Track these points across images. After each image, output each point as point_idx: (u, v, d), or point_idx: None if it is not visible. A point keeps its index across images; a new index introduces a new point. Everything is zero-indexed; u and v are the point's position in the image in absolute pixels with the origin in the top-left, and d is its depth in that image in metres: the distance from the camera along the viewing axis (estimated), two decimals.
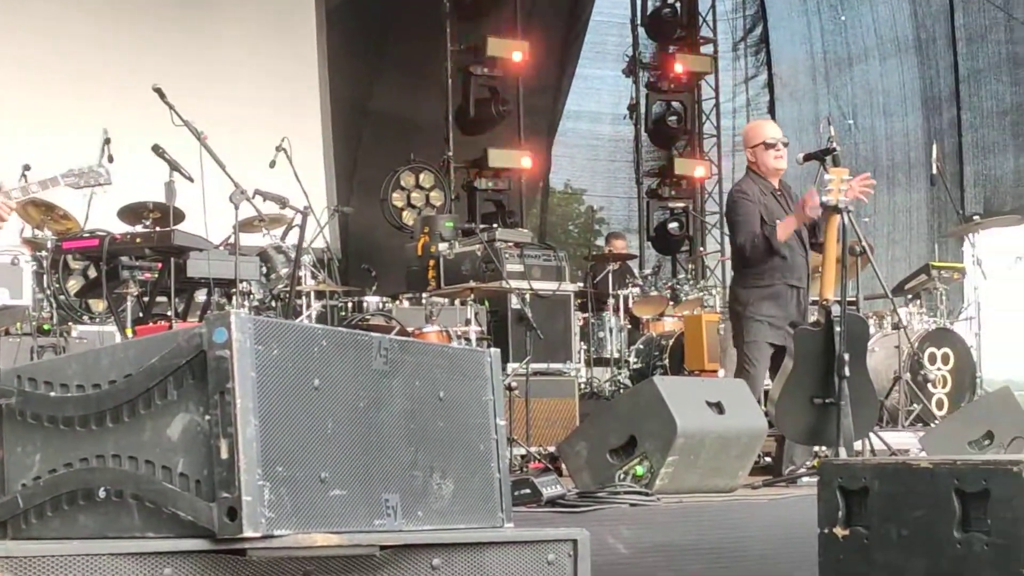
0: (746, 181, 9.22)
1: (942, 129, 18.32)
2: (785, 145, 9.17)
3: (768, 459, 9.01)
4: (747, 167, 9.37)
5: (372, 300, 11.61)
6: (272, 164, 11.25)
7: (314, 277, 11.29)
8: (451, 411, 4.12)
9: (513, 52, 17.45)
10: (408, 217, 16.61)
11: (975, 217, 13.45)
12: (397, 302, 11.80)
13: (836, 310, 8.10)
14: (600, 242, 19.40)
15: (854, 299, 10.86)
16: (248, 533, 3.31)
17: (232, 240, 9.60)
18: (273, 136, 11.40)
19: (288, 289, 10.42)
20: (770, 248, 8.77)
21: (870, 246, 9.81)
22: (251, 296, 10.45)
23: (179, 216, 10.15)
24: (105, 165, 8.99)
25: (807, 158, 8.97)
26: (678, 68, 19.70)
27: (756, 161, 9.14)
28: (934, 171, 13.56)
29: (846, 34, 19.85)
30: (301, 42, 16.49)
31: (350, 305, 11.54)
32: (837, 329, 8.02)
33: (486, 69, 17.52)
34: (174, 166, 9.45)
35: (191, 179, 9.40)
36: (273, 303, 10.85)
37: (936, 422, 11.09)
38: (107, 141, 10.28)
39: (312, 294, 11.27)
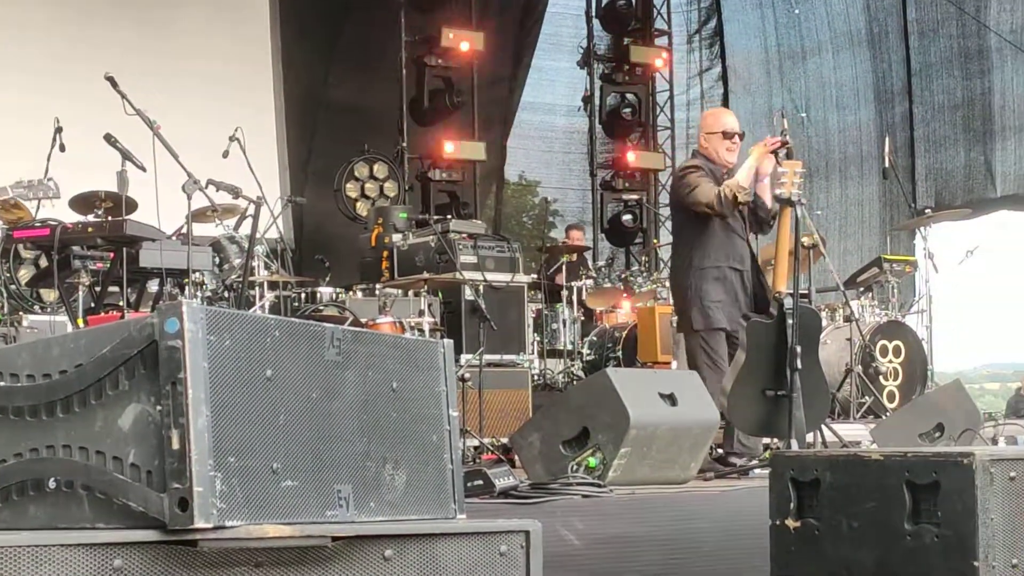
0: (694, 160, 9.21)
1: (894, 123, 18.44)
2: (741, 138, 9.18)
3: (720, 450, 9.04)
4: (695, 150, 9.37)
5: (325, 291, 11.61)
6: (225, 154, 11.19)
7: (267, 268, 11.27)
8: (404, 402, 4.12)
9: (468, 43, 17.44)
10: (362, 208, 16.59)
11: (927, 211, 13.54)
12: (351, 293, 11.81)
13: (788, 302, 8.14)
14: (555, 234, 19.42)
15: (806, 292, 10.93)
16: (199, 524, 3.29)
17: (185, 230, 9.57)
18: (226, 126, 11.34)
19: (241, 279, 10.41)
20: (735, 199, 8.72)
21: (822, 239, 9.87)
22: (204, 286, 10.44)
23: (131, 206, 10.10)
24: (54, 180, 8.93)
25: None
26: (633, 60, 19.77)
27: (709, 148, 9.12)
28: (886, 164, 13.64)
29: (800, 27, 19.94)
30: (255, 32, 16.45)
31: (303, 296, 11.52)
32: (789, 321, 8.05)
33: (440, 60, 17.54)
34: (126, 155, 9.40)
35: (143, 168, 9.35)
36: (226, 293, 10.84)
37: (887, 414, 11.15)
38: (59, 130, 10.24)
39: (265, 284, 11.25)
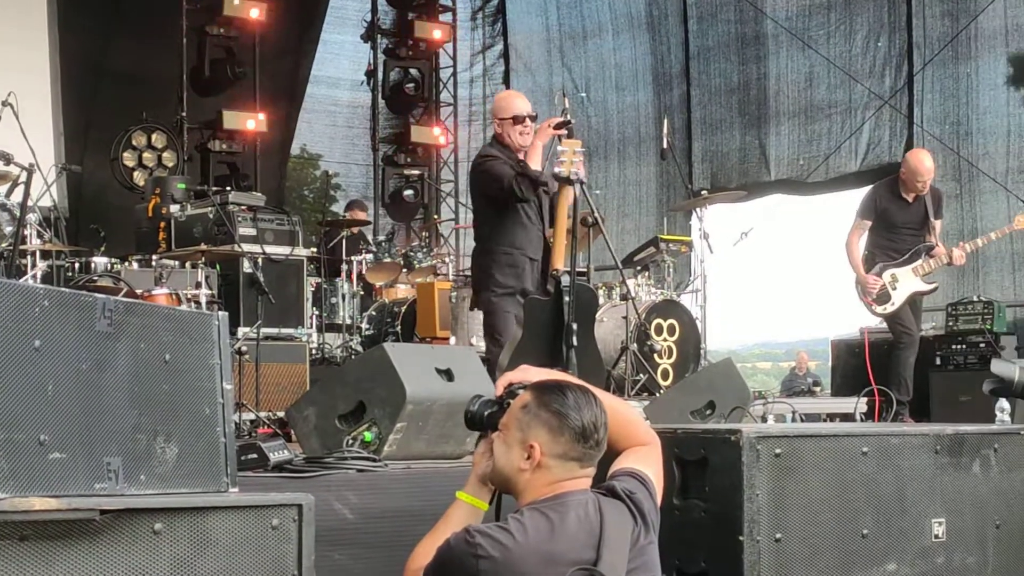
0: (490, 148, 9.23)
1: (672, 105, 18.69)
2: (532, 119, 9.17)
3: None
4: (493, 136, 9.37)
5: (100, 261, 11.40)
6: None
7: (40, 236, 11.03)
8: (177, 374, 4.08)
9: (250, 12, 17.26)
10: (139, 177, 16.35)
11: (703, 192, 13.76)
12: (126, 263, 11.60)
13: (566, 280, 8.21)
14: (336, 208, 19.34)
15: (584, 270, 11.01)
16: None
17: None
18: None
19: (12, 248, 10.17)
20: (533, 182, 8.78)
21: (601, 218, 9.97)
22: None
23: None
24: None
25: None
26: (417, 35, 19.79)
27: (503, 133, 9.14)
28: (664, 146, 13.83)
29: (581, 8, 20.08)
30: None
31: (77, 266, 11.31)
32: (566, 299, 8.13)
33: (222, 29, 17.33)
34: None
35: None
36: None
37: (661, 392, 11.32)
38: None
39: (38, 254, 11.02)
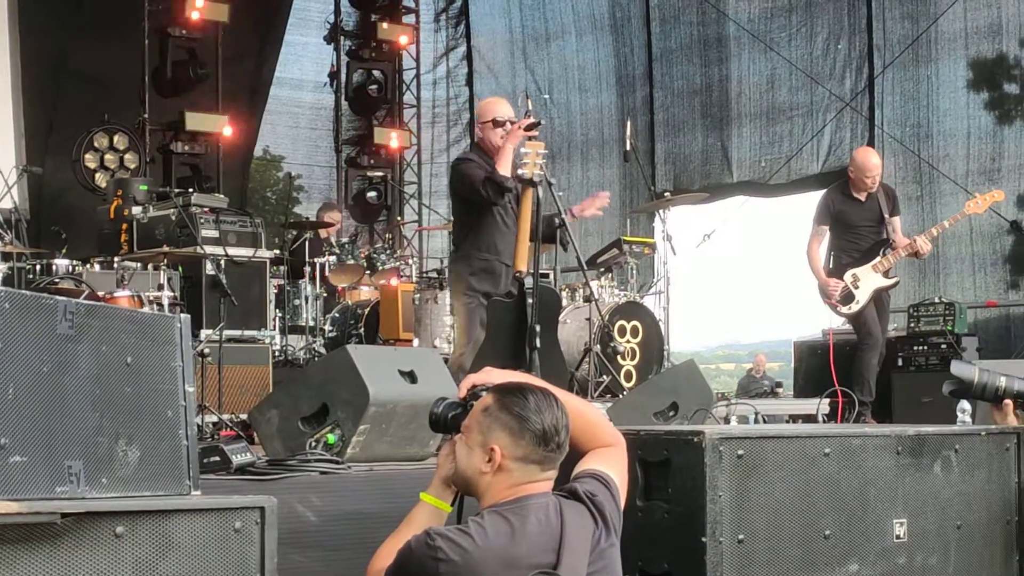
0: (469, 152, 9.44)
1: (635, 107, 18.72)
2: (513, 124, 9.19)
3: None
4: (475, 141, 9.50)
5: (62, 263, 11.35)
6: None
7: (0, 238, 10.98)
8: (139, 377, 4.06)
9: (213, 14, 17.22)
10: (101, 179, 16.29)
11: (665, 194, 13.77)
12: (88, 265, 11.56)
13: (529, 282, 8.22)
14: (299, 210, 19.33)
15: (547, 272, 11.02)
16: None
17: None
18: None
19: None
20: (499, 186, 8.85)
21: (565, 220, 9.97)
22: None
23: None
24: None
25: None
26: (380, 37, 19.78)
27: (484, 137, 9.22)
28: (627, 147, 13.85)
29: (544, 10, 20.09)
30: None
31: (38, 268, 11.26)
32: (529, 301, 8.13)
33: (184, 30, 17.28)
34: None
35: None
36: None
37: (624, 393, 11.32)
38: None
39: None
